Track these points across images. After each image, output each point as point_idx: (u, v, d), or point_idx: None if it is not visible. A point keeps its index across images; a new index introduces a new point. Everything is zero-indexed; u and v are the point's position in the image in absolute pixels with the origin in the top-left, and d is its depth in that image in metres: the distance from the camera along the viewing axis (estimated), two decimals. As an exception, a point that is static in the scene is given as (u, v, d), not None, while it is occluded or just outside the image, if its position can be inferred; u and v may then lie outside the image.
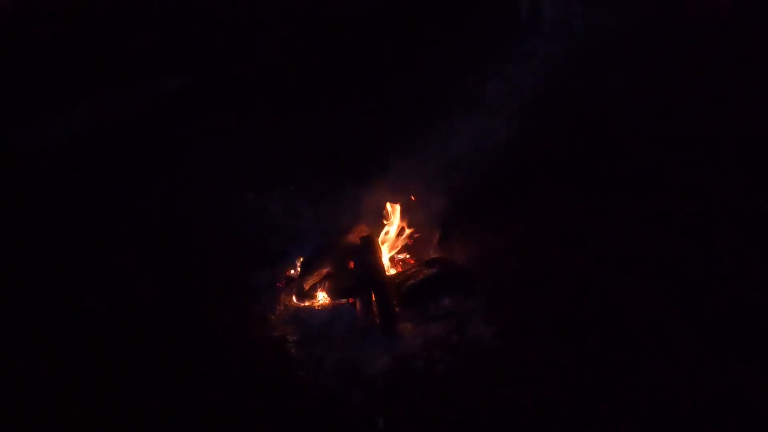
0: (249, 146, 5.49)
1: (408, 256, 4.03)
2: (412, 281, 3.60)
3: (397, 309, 3.48)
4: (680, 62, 5.94)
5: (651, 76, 5.87)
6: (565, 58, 5.92)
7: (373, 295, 3.44)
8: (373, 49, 7.01)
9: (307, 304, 3.61)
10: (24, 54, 6.96)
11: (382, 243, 3.93)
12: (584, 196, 4.45)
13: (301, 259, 3.85)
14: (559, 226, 4.14)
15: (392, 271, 3.85)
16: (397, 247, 4.02)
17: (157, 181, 5.02)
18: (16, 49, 7.02)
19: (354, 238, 3.81)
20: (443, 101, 5.78)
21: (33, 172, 5.37)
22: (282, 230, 4.23)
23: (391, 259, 3.98)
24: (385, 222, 4.02)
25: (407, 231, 4.04)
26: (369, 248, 3.68)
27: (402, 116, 5.85)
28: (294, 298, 3.62)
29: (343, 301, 3.56)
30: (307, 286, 3.62)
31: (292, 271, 3.82)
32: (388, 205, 4.03)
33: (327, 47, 7.21)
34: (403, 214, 4.06)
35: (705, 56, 5.87)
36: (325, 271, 3.69)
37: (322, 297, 3.66)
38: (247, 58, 7.26)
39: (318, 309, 3.59)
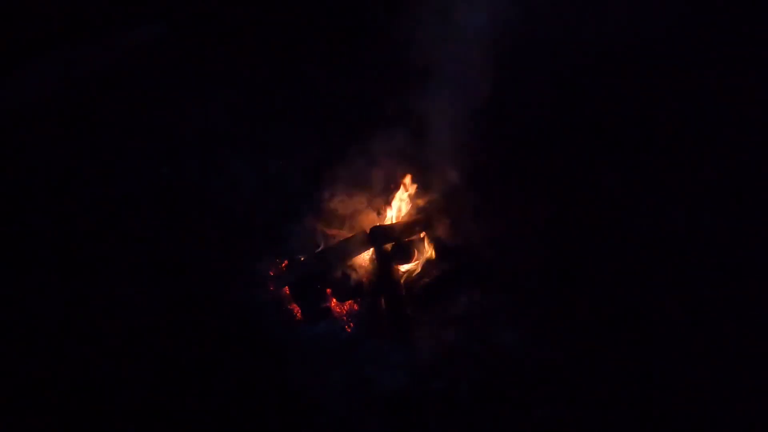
0: (236, 104, 4.85)
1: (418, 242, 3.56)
2: (425, 279, 3.17)
3: (409, 311, 3.08)
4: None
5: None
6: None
7: (383, 298, 3.03)
8: None
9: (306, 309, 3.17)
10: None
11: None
12: (614, 166, 3.95)
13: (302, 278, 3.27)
14: (588, 203, 3.68)
15: (402, 267, 3.40)
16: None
17: (133, 149, 4.42)
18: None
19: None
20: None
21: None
22: (274, 208, 3.72)
23: (401, 250, 3.49)
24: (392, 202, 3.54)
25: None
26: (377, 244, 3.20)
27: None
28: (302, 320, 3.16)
29: (348, 304, 3.14)
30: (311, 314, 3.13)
31: (285, 262, 3.35)
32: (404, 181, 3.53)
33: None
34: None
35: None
36: (328, 290, 3.20)
37: (325, 302, 3.20)
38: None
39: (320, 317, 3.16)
